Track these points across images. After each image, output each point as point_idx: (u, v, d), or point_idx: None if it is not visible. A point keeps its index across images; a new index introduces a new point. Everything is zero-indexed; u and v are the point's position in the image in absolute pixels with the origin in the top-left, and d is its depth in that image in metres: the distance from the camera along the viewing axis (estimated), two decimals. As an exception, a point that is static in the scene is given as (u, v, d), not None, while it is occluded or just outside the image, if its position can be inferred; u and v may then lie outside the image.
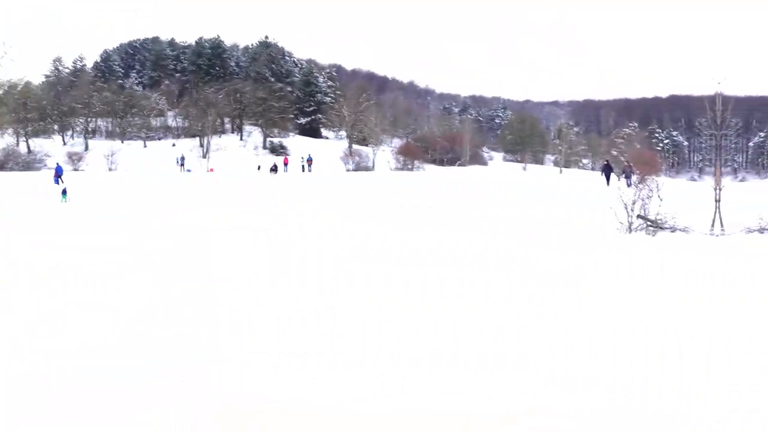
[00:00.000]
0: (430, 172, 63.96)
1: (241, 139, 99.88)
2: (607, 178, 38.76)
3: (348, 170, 66.89)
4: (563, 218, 19.74)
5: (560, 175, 71.67)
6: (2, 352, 5.92)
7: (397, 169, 71.08)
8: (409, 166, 71.16)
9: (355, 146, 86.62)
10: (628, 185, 33.80)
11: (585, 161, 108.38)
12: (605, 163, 42.28)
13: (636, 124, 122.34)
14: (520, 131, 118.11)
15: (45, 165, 67.05)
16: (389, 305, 7.48)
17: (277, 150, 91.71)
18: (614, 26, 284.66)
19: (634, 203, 15.97)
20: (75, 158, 67.94)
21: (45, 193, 31.68)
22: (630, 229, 15.73)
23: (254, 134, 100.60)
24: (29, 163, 66.90)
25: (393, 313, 7.12)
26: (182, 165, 63.90)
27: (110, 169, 64.92)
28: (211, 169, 66.52)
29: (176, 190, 33.04)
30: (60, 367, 5.46)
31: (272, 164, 39.87)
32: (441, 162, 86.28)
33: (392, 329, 6.47)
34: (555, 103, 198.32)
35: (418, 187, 34.39)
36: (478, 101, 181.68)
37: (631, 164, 40.28)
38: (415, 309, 7.32)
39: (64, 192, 28.26)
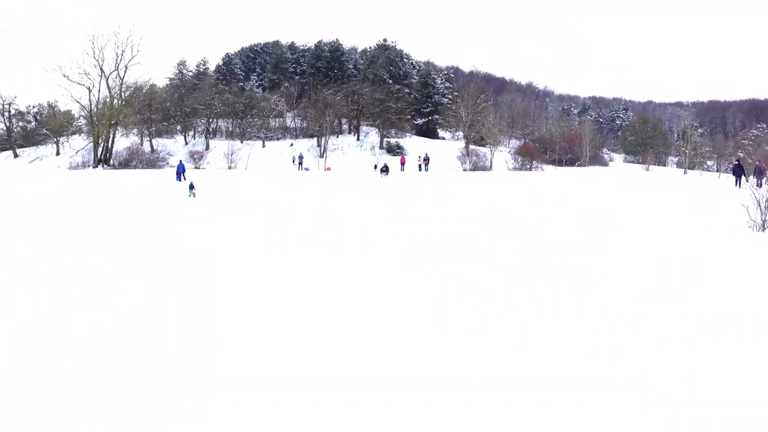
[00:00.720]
0: (549, 172, 62.15)
1: (358, 139, 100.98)
2: (738, 178, 37.31)
3: (465, 170, 66.26)
4: (696, 215, 19.86)
5: (684, 176, 68.00)
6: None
7: (514, 168, 69.82)
8: (528, 166, 69.69)
9: (471, 146, 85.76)
10: (759, 185, 32.30)
11: (710, 163, 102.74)
12: (736, 163, 39.90)
13: (765, 125, 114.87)
14: (642, 132, 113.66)
15: (167, 163, 70.96)
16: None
17: (394, 150, 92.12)
18: (741, 24, 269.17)
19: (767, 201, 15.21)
20: (196, 156, 70.67)
21: (169, 189, 33.03)
22: (764, 227, 14.99)
23: (371, 134, 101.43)
24: (153, 161, 70.55)
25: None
26: (300, 164, 65.12)
27: (230, 167, 67.42)
28: (329, 168, 67.50)
29: (294, 187, 33.74)
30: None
31: (382, 164, 38.96)
32: (560, 162, 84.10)
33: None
34: (678, 104, 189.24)
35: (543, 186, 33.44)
36: (598, 102, 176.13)
37: (763, 164, 37.93)
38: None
39: (191, 186, 29.36)
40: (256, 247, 12.61)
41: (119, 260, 10.84)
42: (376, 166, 67.27)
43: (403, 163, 63.38)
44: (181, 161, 46.64)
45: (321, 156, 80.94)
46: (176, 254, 11.59)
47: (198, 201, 26.11)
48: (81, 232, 15.36)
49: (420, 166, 62.70)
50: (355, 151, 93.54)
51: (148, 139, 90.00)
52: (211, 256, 11.42)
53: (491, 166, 70.61)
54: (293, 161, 70.83)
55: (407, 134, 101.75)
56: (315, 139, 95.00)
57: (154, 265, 10.31)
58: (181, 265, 10.42)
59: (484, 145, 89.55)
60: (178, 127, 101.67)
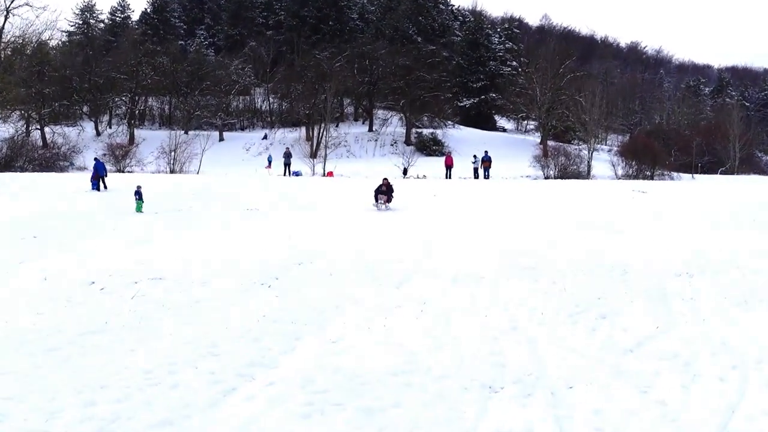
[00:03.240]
0: (689, 182, 60.44)
1: (371, 129, 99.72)
2: None
3: (546, 177, 64.73)
4: None
5: None
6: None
7: (625, 176, 68.45)
8: (647, 173, 68.30)
9: (551, 142, 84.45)
10: None
11: None
12: None
13: None
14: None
15: (71, 164, 69.69)
16: None
17: (428, 146, 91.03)
18: None
19: None
20: (119, 153, 69.60)
21: (86, 204, 35.50)
22: None
23: (392, 122, 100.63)
24: (49, 161, 69.94)
25: None
26: (288, 166, 64.26)
27: (172, 170, 67.25)
28: (330, 173, 66.26)
29: (277, 201, 35.30)
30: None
31: (382, 183, 36.64)
32: (695, 168, 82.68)
33: None
34: None
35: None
36: (740, 75, 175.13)
37: None
38: None
39: (138, 194, 32.78)
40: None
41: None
42: (405, 171, 66.23)
43: (449, 166, 62.95)
44: (98, 160, 45.51)
45: (312, 155, 79.71)
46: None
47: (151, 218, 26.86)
48: None
49: (476, 170, 62.58)
50: (367, 148, 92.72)
51: (38, 127, 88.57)
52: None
53: (589, 171, 69.62)
54: (269, 162, 70.50)
55: (448, 123, 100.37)
56: (301, 129, 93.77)
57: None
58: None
59: (569, 140, 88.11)
60: (85, 109, 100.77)
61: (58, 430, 8.61)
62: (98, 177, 43.07)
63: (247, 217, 32.35)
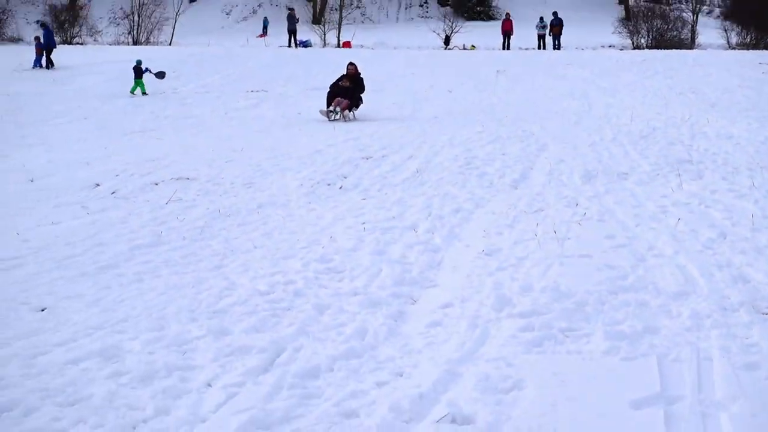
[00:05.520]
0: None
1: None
2: None
3: (636, 46, 64.22)
4: None
5: None
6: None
7: (741, 45, 67.82)
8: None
9: (633, 2, 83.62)
10: None
11: None
12: None
13: None
14: None
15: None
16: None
17: (471, 8, 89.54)
18: None
19: None
20: (63, 18, 69.43)
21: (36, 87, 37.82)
22: None
23: None
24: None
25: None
26: (293, 36, 63.83)
27: (136, 41, 68.17)
28: (347, 43, 66.37)
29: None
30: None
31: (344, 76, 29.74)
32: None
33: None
34: None
35: None
36: None
37: None
38: None
39: (140, 70, 35.80)
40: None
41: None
42: (447, 40, 66.81)
43: (508, 33, 63.28)
44: (47, 27, 45.62)
45: (315, 20, 79.60)
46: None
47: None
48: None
49: (541, 38, 63.00)
50: (388, 11, 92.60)
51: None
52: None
53: (693, 38, 69.44)
54: (265, 28, 70.69)
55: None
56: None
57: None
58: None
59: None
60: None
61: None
62: (42, 51, 43.08)
63: (256, 102, 32.70)
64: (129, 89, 35.59)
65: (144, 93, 35.31)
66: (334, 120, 28.12)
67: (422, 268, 11.30)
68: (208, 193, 16.81)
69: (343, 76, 29.59)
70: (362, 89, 29.39)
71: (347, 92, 28.96)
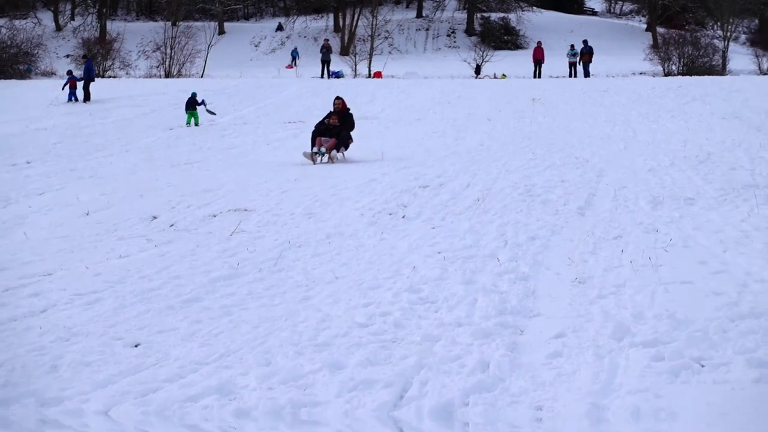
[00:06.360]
0: None
1: (420, 15, 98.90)
2: None
3: (668, 73, 64.50)
4: None
5: None
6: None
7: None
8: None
9: (661, 29, 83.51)
10: None
11: None
12: None
13: None
14: None
15: (31, 66, 69.37)
16: None
17: (498, 37, 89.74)
18: None
19: None
20: (97, 52, 69.97)
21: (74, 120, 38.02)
22: None
23: (449, 6, 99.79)
24: (5, 63, 69.40)
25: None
26: (326, 65, 63.89)
27: (166, 74, 68.22)
28: (378, 74, 66.50)
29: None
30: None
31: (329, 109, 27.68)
32: None
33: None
34: None
35: None
36: None
37: None
38: None
39: (193, 103, 36.74)
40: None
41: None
42: (478, 69, 66.92)
43: (539, 61, 63.50)
44: (89, 59, 45.94)
45: (344, 51, 79.40)
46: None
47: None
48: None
49: (572, 66, 62.94)
50: (416, 41, 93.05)
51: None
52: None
53: (724, 65, 69.63)
54: (294, 59, 70.93)
55: (523, 5, 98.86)
56: (329, 16, 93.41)
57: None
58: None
59: (682, 25, 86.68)
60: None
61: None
62: (75, 84, 44.02)
63: (295, 132, 33.22)
64: (184, 121, 36.22)
65: (197, 124, 36.19)
66: (321, 163, 25.72)
67: (519, 297, 11.05)
68: (270, 224, 16.82)
69: (330, 113, 27.13)
70: (351, 126, 26.90)
71: (334, 131, 26.48)
